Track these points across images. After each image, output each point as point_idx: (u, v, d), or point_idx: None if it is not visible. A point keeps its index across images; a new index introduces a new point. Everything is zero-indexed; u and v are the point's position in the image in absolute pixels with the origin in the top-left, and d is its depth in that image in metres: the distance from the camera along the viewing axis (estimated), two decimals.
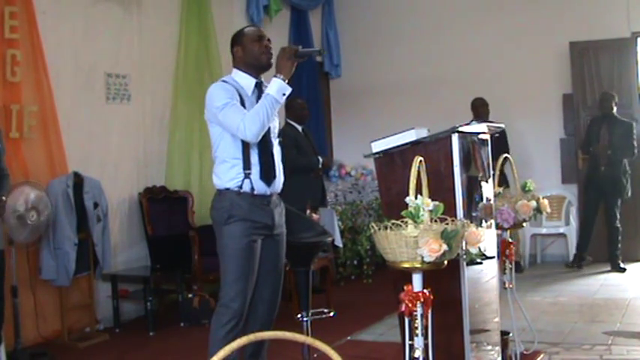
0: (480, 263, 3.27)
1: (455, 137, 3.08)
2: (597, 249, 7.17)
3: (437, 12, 8.26)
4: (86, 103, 5.53)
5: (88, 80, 5.55)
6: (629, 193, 6.97)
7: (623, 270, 6.82)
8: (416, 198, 2.43)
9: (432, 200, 2.46)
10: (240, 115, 3.13)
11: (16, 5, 4.90)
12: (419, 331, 2.52)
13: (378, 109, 8.37)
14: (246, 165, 3.20)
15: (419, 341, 2.53)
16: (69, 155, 5.23)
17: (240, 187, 3.20)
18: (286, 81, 3.18)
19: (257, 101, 3.23)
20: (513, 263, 3.88)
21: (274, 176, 3.27)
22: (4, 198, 4.17)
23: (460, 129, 3.10)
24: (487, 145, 3.61)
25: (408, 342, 2.55)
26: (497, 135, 6.95)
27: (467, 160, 3.23)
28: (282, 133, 6.02)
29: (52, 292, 5.03)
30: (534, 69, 7.71)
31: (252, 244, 3.21)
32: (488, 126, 3.56)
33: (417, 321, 2.52)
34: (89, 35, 5.55)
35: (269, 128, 3.25)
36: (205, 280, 5.66)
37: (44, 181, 4.93)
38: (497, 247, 3.68)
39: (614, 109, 7.00)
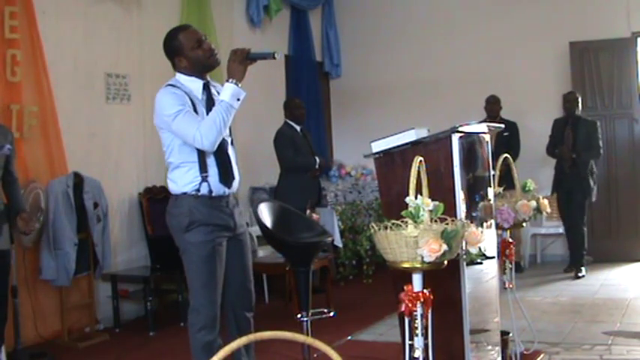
0: (480, 263, 3.27)
1: (455, 137, 3.07)
2: (597, 249, 7.17)
3: (437, 12, 8.26)
4: (86, 103, 5.54)
5: (88, 80, 5.56)
6: (594, 197, 6.78)
7: (581, 277, 6.63)
8: (416, 198, 2.43)
9: (432, 200, 2.46)
10: (195, 124, 2.99)
11: (16, 5, 4.90)
12: (419, 331, 2.52)
13: (378, 109, 8.37)
14: (203, 168, 3.10)
15: (419, 341, 2.53)
16: (69, 155, 5.24)
17: (198, 190, 3.09)
18: (239, 85, 3.04)
19: (208, 102, 3.13)
20: (513, 263, 3.88)
21: (233, 177, 3.19)
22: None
23: (460, 129, 3.10)
24: (487, 144, 3.60)
25: (408, 342, 2.55)
26: (505, 134, 6.86)
27: (467, 160, 3.23)
28: (278, 133, 6.09)
29: (52, 292, 5.04)
30: (534, 69, 7.72)
31: (218, 247, 3.13)
32: (488, 126, 3.56)
33: (417, 321, 2.52)
34: (89, 35, 5.56)
35: None
36: None
37: (44, 181, 4.94)
38: (498, 247, 3.68)
39: (579, 109, 6.84)
